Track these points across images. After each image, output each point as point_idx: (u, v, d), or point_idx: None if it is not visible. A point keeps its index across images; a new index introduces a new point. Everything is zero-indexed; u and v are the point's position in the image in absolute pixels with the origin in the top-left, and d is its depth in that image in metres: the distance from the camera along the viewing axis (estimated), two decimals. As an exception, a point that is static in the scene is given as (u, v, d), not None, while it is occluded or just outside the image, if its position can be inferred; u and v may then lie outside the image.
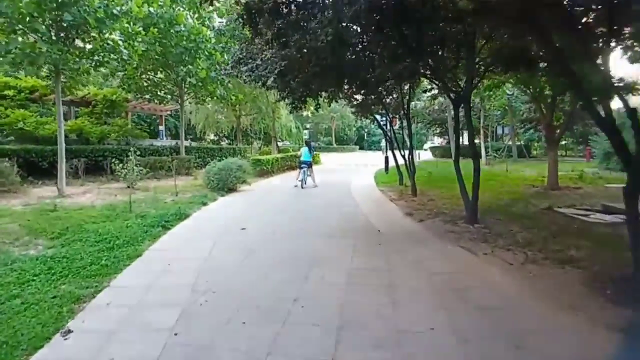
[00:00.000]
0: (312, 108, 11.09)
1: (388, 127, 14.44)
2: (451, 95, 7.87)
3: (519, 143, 30.27)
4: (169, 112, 23.60)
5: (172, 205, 9.21)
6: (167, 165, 14.59)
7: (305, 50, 5.73)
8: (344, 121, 55.04)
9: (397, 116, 12.49)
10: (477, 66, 7.04)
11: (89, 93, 15.89)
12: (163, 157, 14.73)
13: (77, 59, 9.61)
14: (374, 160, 28.35)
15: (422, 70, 7.19)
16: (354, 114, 14.73)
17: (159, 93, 16.19)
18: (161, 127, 22.74)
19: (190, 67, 13.50)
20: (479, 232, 6.54)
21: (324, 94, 9.69)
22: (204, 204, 9.53)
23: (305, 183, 12.99)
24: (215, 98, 16.41)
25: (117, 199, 9.95)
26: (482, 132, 23.45)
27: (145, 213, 8.05)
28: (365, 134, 62.16)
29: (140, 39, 11.73)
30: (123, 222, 7.24)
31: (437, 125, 35.42)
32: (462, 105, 7.80)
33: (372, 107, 12.79)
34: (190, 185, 12.60)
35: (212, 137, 34.73)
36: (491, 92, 17.11)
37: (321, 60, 6.18)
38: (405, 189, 12.09)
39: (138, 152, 14.26)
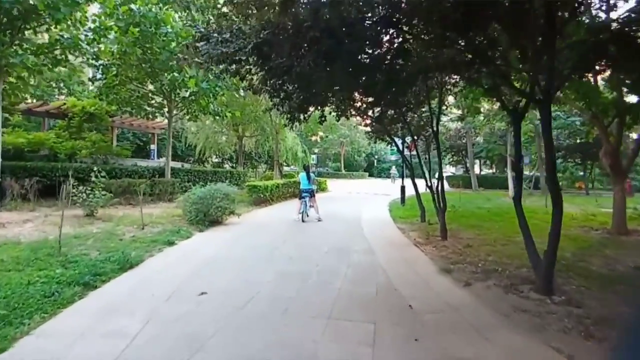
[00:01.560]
0: (317, 126, 8.93)
1: (407, 151, 12.20)
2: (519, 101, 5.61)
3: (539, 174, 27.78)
4: (163, 130, 21.76)
5: (128, 244, 6.98)
6: (146, 189, 12.43)
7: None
8: (353, 147, 52.99)
9: (420, 138, 10.26)
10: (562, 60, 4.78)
11: (65, 104, 13.98)
12: (140, 179, 12.58)
13: (22, 53, 7.58)
14: (385, 188, 26.01)
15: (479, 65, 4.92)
16: (369, 135, 12.52)
17: (145, 107, 14.21)
18: (153, 146, 20.77)
19: (176, 74, 11.50)
20: (568, 314, 4.14)
21: (330, 105, 7.56)
22: (171, 243, 7.26)
23: (307, 215, 10.70)
24: (208, 114, 14.38)
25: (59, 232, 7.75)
26: (508, 160, 21.05)
27: (79, 258, 5.79)
28: (375, 161, 59.94)
29: (112, 36, 9.78)
30: (36, 272, 4.99)
31: (452, 154, 33.11)
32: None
33: (391, 126, 10.57)
34: (168, 214, 10.37)
35: (214, 159, 32.82)
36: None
37: (325, 44, 4.04)
38: (430, 227, 9.72)
39: (114, 173, 12.24)
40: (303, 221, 10.42)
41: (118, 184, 11.47)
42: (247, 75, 5.55)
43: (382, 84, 5.80)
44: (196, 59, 5.96)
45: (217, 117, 14.96)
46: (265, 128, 21.11)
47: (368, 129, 12.55)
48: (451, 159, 36.61)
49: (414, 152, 15.32)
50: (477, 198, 18.89)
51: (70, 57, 9.52)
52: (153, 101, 14.44)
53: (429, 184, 9.29)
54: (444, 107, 8.62)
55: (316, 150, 42.72)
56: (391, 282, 5.28)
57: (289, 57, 4.34)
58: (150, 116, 15.11)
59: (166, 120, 14.69)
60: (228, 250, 7.06)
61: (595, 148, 21.75)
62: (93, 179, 9.47)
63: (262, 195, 13.93)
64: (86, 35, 9.19)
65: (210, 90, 12.71)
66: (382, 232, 9.32)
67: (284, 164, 26.56)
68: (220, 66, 4.86)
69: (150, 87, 13.86)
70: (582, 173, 27.49)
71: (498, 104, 16.67)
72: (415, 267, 6.12)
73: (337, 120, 8.92)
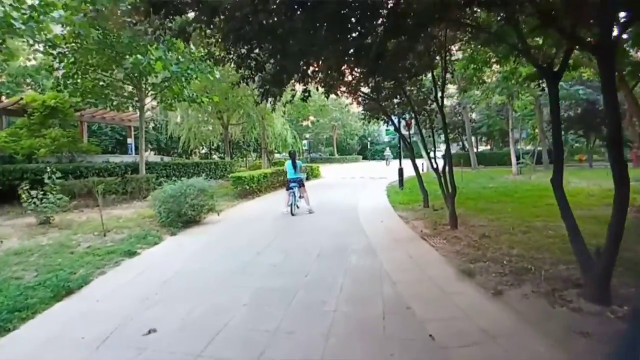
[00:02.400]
0: (307, 110, 7.67)
1: (405, 130, 10.97)
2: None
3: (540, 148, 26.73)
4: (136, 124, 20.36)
5: (79, 258, 5.79)
6: (117, 187, 11.16)
7: None
8: (345, 130, 51.60)
9: (422, 114, 9.02)
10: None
11: (22, 99, 12.52)
12: (110, 177, 11.28)
13: None
14: (380, 171, 24.86)
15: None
16: (362, 115, 11.25)
17: (112, 97, 12.79)
18: (130, 140, 19.29)
19: (139, 57, 10.09)
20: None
21: (314, 78, 6.30)
22: (131, 254, 6.05)
23: (297, 207, 9.52)
24: (182, 101, 12.98)
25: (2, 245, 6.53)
26: (511, 135, 19.93)
27: (5, 284, 4.58)
28: (369, 143, 58.67)
29: (57, 14, 8.36)
30: None
31: (449, 131, 31.97)
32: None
33: (387, 101, 9.31)
34: (138, 216, 9.13)
35: (202, 150, 31.41)
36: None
37: None
38: (435, 214, 8.60)
39: (78, 172, 10.94)
40: (292, 214, 9.24)
41: (83, 184, 10.17)
42: (202, 39, 4.28)
43: (378, 43, 4.54)
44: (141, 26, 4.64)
45: (193, 104, 13.56)
46: (250, 114, 19.69)
47: (360, 109, 11.27)
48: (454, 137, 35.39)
49: (412, 131, 14.14)
50: (480, 177, 17.76)
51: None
52: (122, 91, 13.02)
53: (435, 166, 8.11)
54: (448, 75, 7.33)
55: (307, 136, 41.27)
56: (400, 295, 4.13)
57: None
58: (121, 107, 13.70)
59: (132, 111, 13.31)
60: (199, 259, 5.86)
61: (598, 118, 20.72)
62: (46, 180, 8.17)
63: (248, 187, 12.69)
64: (23, 14, 7.77)
65: (181, 74, 11.32)
66: (382, 223, 8.16)
67: (275, 151, 25.21)
68: (156, 21, 3.60)
69: (119, 75, 12.43)
70: (578, 145, 26.45)
71: (499, 74, 15.53)
72: (427, 269, 4.97)
73: (327, 97, 7.63)
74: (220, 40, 4.41)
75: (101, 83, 12.23)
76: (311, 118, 51.18)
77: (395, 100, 9.49)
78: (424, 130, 10.00)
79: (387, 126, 13.50)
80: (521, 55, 5.76)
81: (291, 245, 6.43)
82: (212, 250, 6.37)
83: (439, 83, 7.09)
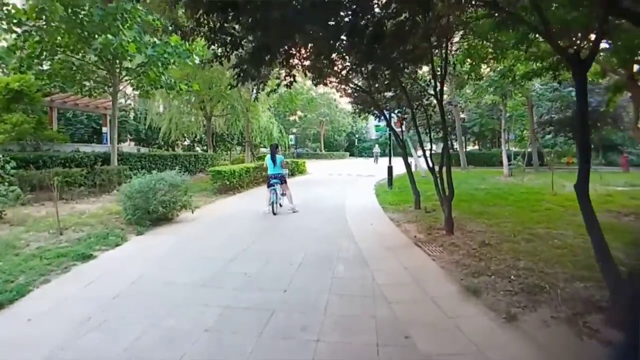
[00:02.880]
0: (294, 103, 6.94)
1: (402, 128, 10.33)
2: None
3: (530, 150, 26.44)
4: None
5: (22, 261, 4.97)
6: (85, 180, 10.26)
7: None
8: (333, 126, 50.93)
9: (418, 109, 8.38)
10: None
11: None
12: (77, 168, 10.35)
13: None
14: (368, 168, 24.28)
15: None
16: (353, 111, 10.56)
17: (83, 81, 11.81)
18: (105, 129, 18.16)
19: (110, 37, 9.17)
20: None
21: (300, 61, 5.58)
22: (86, 257, 5.26)
23: (279, 206, 8.80)
24: (160, 88, 12.08)
25: None
26: (503, 136, 19.52)
27: None
28: (356, 140, 58.14)
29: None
30: None
31: (438, 130, 31.28)
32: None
33: (379, 95, 8.64)
34: (105, 212, 8.30)
35: (185, 142, 30.29)
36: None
37: None
38: (427, 217, 7.99)
39: (41, 162, 10.01)
40: (274, 214, 8.52)
41: (45, 175, 9.23)
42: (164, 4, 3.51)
43: (376, 22, 3.85)
44: None
45: (172, 92, 12.65)
46: (235, 105, 18.83)
47: (349, 104, 10.57)
48: (436, 136, 35.02)
49: (403, 128, 13.56)
50: (470, 177, 17.31)
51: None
52: (94, 75, 12.03)
53: (431, 165, 7.49)
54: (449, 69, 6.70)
55: (294, 130, 40.37)
56: (397, 319, 3.46)
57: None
58: (94, 93, 12.70)
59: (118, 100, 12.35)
60: (163, 266, 5.09)
61: (590, 120, 20.50)
62: (-4, 170, 7.28)
63: (228, 182, 11.89)
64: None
65: (157, 58, 10.44)
66: (372, 226, 7.50)
67: (261, 145, 24.32)
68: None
69: (91, 58, 11.45)
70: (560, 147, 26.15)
71: (493, 72, 15.01)
72: (426, 285, 4.31)
73: (315, 86, 6.90)
74: (187, 7, 3.65)
75: (71, 65, 11.24)
76: (299, 113, 50.38)
77: (388, 94, 8.83)
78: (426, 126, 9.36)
79: (379, 121, 12.85)
80: (540, 39, 5.12)
81: (270, 251, 5.71)
82: (180, 255, 5.60)
83: (438, 75, 6.42)
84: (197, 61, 11.53)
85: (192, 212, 8.02)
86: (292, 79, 4.94)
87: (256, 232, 7.09)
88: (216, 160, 19.53)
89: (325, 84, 7.79)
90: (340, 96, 10.43)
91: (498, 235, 6.38)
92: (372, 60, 5.77)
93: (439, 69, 6.60)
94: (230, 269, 4.90)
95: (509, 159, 18.52)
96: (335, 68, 7.12)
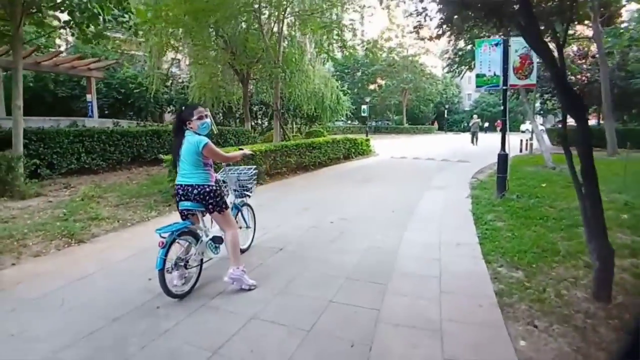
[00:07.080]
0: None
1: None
2: None
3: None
4: (108, 70, 15.26)
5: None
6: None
7: None
8: (418, 95, 43.32)
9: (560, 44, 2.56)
10: None
11: None
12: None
13: None
14: (461, 149, 17.72)
15: None
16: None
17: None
18: (89, 97, 14.08)
19: None
20: None
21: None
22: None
23: (201, 265, 3.56)
24: (105, 26, 7.35)
25: None
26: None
27: None
28: (446, 112, 49.57)
29: None
30: None
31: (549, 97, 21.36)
32: None
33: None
34: None
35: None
36: None
37: None
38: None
39: None
40: (178, 297, 3.22)
41: None
42: None
43: None
44: None
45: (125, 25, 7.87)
46: (267, 59, 13.20)
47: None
48: (554, 104, 25.23)
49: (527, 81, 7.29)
50: (629, 174, 9.56)
51: None
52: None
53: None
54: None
55: (368, 100, 34.04)
56: None
57: None
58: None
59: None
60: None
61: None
62: None
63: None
64: None
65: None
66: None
67: (315, 113, 18.67)
68: None
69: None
70: None
71: None
72: None
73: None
74: None
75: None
76: (379, 80, 43.61)
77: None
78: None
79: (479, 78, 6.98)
80: None
81: None
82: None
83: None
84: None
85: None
86: None
87: None
88: (249, 137, 14.84)
89: None
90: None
91: None
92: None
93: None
94: None
95: None
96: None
